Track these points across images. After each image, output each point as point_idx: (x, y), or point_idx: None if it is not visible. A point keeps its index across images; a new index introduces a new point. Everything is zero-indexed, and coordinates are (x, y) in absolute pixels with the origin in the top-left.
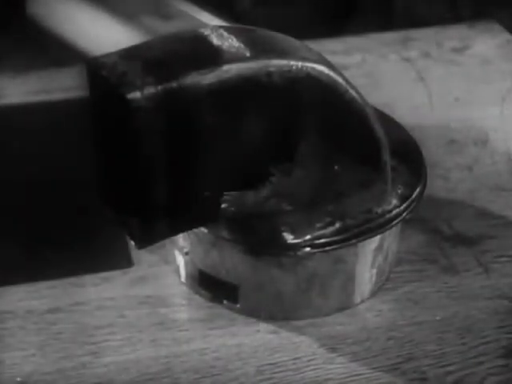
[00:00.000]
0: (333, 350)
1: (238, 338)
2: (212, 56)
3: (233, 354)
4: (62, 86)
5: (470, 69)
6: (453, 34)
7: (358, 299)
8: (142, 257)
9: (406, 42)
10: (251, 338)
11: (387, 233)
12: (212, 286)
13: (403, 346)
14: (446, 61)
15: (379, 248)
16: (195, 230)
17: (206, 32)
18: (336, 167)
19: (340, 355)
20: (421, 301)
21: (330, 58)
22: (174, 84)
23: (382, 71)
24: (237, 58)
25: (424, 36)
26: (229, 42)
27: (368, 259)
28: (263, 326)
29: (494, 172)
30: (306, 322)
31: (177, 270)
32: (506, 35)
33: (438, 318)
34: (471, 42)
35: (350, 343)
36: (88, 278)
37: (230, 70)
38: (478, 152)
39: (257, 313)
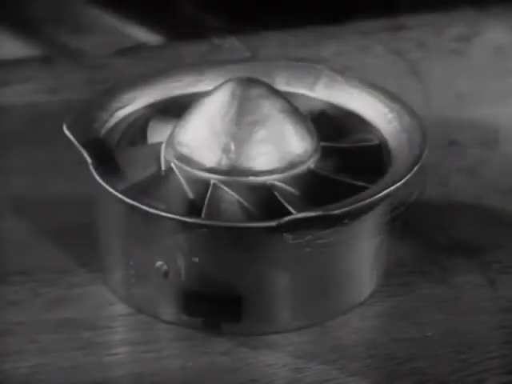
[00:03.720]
0: (298, 370)
1: (181, 360)
2: None
3: (175, 379)
4: None
5: (477, 60)
6: (457, 20)
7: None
8: (64, 276)
9: (395, 31)
10: (197, 361)
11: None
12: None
13: (385, 365)
14: (448, 52)
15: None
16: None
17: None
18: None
19: (307, 376)
20: (408, 316)
21: (298, 51)
22: None
23: (362, 65)
24: None
25: (419, 23)
26: None
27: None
28: (211, 347)
29: (503, 176)
30: (264, 342)
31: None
32: None
33: (429, 333)
34: (480, 28)
35: (319, 362)
36: None
37: None
38: (485, 154)
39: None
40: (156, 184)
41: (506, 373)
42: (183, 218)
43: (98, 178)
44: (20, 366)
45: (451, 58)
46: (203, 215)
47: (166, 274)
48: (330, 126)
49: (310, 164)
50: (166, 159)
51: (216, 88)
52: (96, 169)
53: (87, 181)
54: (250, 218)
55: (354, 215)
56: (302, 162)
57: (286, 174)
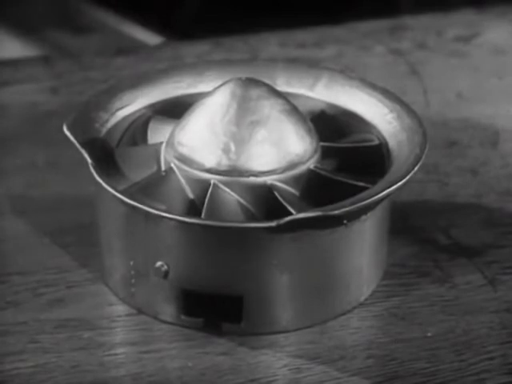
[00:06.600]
0: (298, 370)
1: (181, 360)
2: None
3: (174, 379)
4: None
5: (477, 61)
6: (457, 21)
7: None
8: (64, 276)
9: (395, 32)
10: (197, 361)
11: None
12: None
13: (386, 365)
14: (448, 52)
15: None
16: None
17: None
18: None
19: (307, 376)
20: (408, 316)
21: (297, 51)
22: None
23: (363, 65)
24: None
25: (419, 24)
26: None
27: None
28: (211, 347)
29: (504, 176)
30: (264, 342)
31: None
32: None
33: (429, 334)
34: (480, 28)
35: (319, 363)
36: None
37: None
38: (485, 154)
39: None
40: (156, 184)
41: (506, 373)
42: (183, 218)
43: (97, 178)
44: (20, 366)
45: (451, 58)
46: (203, 215)
47: (165, 274)
48: (330, 126)
49: (310, 164)
50: (165, 159)
51: (216, 88)
52: (96, 169)
53: (87, 181)
54: (250, 218)
55: (354, 215)
56: (301, 162)
57: (285, 174)
